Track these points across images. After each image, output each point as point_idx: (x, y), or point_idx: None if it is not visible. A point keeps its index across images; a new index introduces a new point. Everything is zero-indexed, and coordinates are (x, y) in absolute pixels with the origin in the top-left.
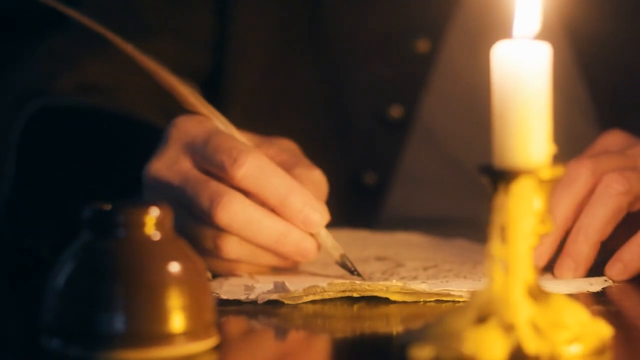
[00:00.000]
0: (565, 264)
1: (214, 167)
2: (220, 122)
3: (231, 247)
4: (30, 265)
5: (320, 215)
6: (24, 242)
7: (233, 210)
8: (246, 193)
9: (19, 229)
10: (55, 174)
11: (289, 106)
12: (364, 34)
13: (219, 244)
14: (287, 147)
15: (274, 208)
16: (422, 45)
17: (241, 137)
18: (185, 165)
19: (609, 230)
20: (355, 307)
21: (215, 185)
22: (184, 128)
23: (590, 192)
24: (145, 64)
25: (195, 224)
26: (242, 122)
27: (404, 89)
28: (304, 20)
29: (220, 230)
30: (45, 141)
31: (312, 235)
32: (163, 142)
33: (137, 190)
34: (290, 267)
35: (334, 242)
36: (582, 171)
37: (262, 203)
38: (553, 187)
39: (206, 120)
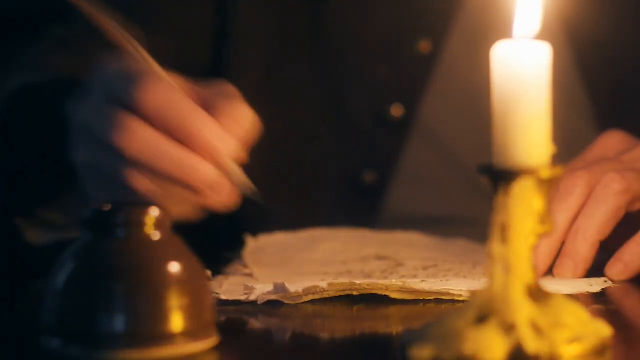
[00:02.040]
0: (565, 264)
1: (120, 95)
2: (145, 59)
3: (138, 178)
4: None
5: (225, 144)
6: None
7: (134, 136)
8: (152, 123)
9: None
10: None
11: (289, 105)
12: (366, 34)
13: (126, 175)
14: (225, 90)
15: (179, 137)
16: (424, 46)
17: (164, 74)
18: (98, 99)
19: (608, 230)
20: (355, 308)
21: (117, 112)
22: (105, 64)
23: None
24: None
25: (106, 158)
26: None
27: (405, 89)
28: (305, 19)
29: (126, 160)
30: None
31: (222, 167)
32: (86, 81)
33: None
34: (206, 205)
35: (243, 177)
36: (578, 183)
37: (166, 132)
38: (549, 199)
39: (128, 58)
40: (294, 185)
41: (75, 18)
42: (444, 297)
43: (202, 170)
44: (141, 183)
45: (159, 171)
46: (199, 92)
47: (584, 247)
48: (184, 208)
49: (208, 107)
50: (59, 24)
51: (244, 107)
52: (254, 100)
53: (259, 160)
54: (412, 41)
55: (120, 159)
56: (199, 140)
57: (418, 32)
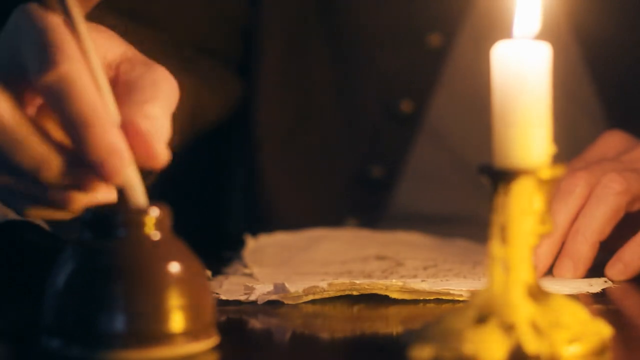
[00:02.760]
0: (565, 264)
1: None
2: (74, 20)
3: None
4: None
5: (122, 164)
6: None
7: None
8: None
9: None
10: None
11: (299, 97)
12: (376, 27)
13: None
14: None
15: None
16: (435, 40)
17: (87, 41)
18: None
19: (608, 230)
20: (355, 308)
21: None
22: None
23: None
24: None
25: None
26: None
27: (415, 83)
28: (316, 12)
29: None
30: None
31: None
32: None
33: None
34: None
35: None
36: (578, 183)
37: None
38: (549, 199)
39: (53, 13)
40: (302, 177)
41: None
42: (444, 297)
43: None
44: None
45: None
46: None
47: (584, 247)
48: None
49: (132, 72)
50: None
51: (168, 74)
52: (265, 94)
53: (269, 152)
54: (422, 34)
55: None
56: (94, 152)
57: (429, 26)
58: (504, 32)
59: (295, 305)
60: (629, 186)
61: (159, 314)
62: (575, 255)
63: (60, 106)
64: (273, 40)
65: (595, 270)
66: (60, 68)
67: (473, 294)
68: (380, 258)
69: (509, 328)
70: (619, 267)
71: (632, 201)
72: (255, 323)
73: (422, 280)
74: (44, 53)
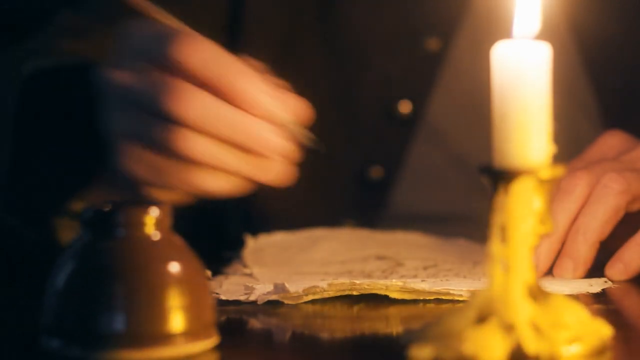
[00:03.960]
0: (565, 264)
1: (166, 59)
2: (175, 23)
3: (194, 144)
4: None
5: (277, 102)
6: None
7: (191, 102)
8: (196, 83)
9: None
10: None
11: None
12: (375, 30)
13: (180, 141)
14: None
15: (227, 97)
16: (433, 44)
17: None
18: (138, 64)
19: (607, 230)
20: (355, 308)
21: (168, 78)
22: (134, 30)
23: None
24: None
25: (153, 124)
26: None
27: (413, 85)
28: (314, 14)
29: (181, 126)
30: (40, 107)
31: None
32: (113, 48)
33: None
34: (255, 174)
35: (302, 130)
36: (578, 183)
37: (213, 92)
38: (549, 199)
39: (156, 22)
40: (301, 178)
41: (83, 4)
42: (444, 297)
43: (267, 135)
44: (196, 148)
45: (221, 136)
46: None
47: (584, 247)
48: (229, 181)
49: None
50: (67, 9)
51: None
52: None
53: None
54: (420, 38)
55: (169, 125)
56: (251, 100)
57: (427, 30)
58: (501, 34)
59: (295, 305)
60: (629, 186)
61: (159, 314)
62: (575, 255)
63: (214, 81)
64: (267, 43)
65: (595, 270)
66: (201, 48)
67: (473, 294)
68: (380, 258)
69: (509, 328)
70: (619, 267)
71: (632, 201)
72: (255, 323)
73: (422, 280)
74: (178, 41)
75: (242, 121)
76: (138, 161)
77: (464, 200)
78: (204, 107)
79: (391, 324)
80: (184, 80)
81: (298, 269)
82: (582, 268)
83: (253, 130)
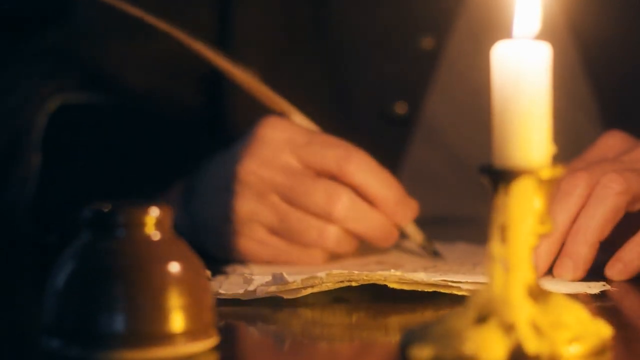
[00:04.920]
0: (565, 265)
1: (322, 163)
2: (300, 118)
3: (335, 238)
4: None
5: (412, 210)
6: (47, 238)
7: (347, 204)
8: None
9: (41, 226)
10: (80, 172)
11: (292, 101)
12: (369, 31)
13: (325, 235)
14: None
15: (374, 201)
16: (427, 43)
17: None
18: (290, 162)
19: (607, 230)
20: (354, 316)
21: (326, 181)
22: (279, 127)
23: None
24: (216, 62)
25: (300, 216)
26: (246, 117)
27: (409, 86)
28: (308, 16)
29: (326, 221)
30: (68, 139)
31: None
32: (251, 140)
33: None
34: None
35: (417, 229)
36: (578, 183)
37: (362, 196)
38: (549, 199)
39: (293, 119)
40: None
41: None
42: (442, 290)
43: (392, 233)
44: (337, 242)
45: (359, 234)
46: None
47: (584, 248)
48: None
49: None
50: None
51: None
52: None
53: None
54: (415, 37)
55: (323, 221)
56: (394, 206)
57: (421, 29)
58: (497, 33)
59: (294, 311)
60: (629, 186)
61: (159, 314)
62: (575, 255)
63: (365, 184)
64: (262, 44)
65: (595, 270)
66: (357, 156)
67: (473, 293)
68: (380, 263)
69: (509, 328)
70: (619, 267)
71: (632, 201)
72: (256, 323)
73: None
74: (338, 148)
75: (378, 221)
76: (260, 243)
77: (462, 200)
78: (353, 208)
79: (390, 332)
80: (329, 178)
81: (297, 269)
82: (582, 268)
83: (384, 232)
